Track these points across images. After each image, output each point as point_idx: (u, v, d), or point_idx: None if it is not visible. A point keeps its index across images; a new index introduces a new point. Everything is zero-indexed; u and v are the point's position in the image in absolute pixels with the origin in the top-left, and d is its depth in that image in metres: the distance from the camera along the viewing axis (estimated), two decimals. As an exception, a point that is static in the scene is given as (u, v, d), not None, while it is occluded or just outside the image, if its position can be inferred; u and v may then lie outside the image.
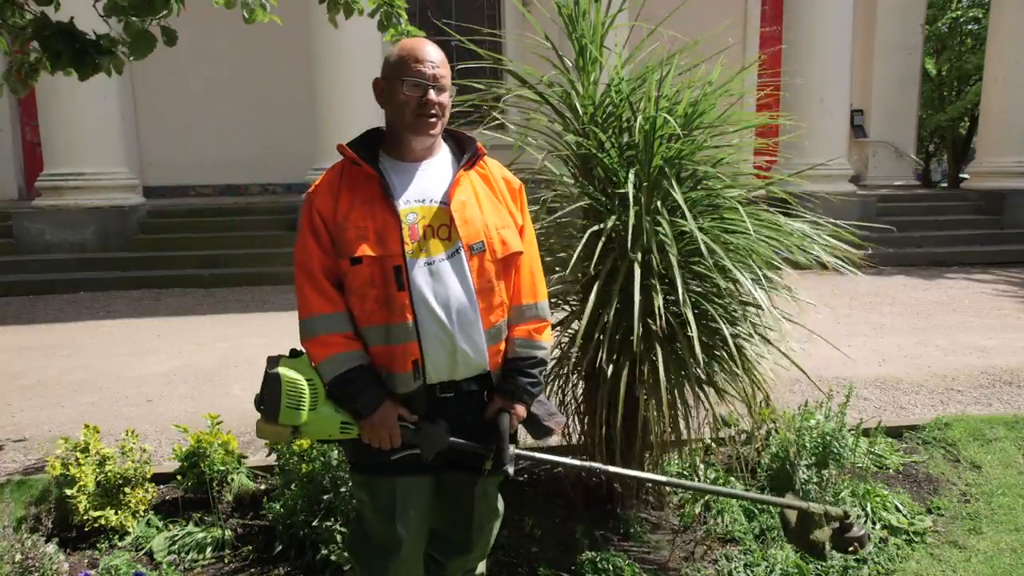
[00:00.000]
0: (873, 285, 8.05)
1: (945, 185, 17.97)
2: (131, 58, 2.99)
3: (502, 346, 1.89)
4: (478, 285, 1.80)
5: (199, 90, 12.07)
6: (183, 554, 2.78)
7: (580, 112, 2.80)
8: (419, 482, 1.89)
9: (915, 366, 5.22)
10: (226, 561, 2.78)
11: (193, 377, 5.10)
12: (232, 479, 3.09)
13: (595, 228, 2.62)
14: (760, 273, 2.61)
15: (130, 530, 2.87)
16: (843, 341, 5.66)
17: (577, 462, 2.11)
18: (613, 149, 2.73)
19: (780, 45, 10.11)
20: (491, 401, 1.89)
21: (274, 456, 3.02)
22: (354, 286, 1.77)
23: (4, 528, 2.67)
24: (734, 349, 2.62)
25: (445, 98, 1.82)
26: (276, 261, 8.91)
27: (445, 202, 1.81)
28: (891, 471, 3.48)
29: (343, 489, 2.74)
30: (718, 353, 2.71)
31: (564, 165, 2.94)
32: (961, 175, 16.44)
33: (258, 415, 1.74)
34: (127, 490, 2.93)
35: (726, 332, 2.59)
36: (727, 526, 2.94)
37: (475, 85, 2.87)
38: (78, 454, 2.93)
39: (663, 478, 2.49)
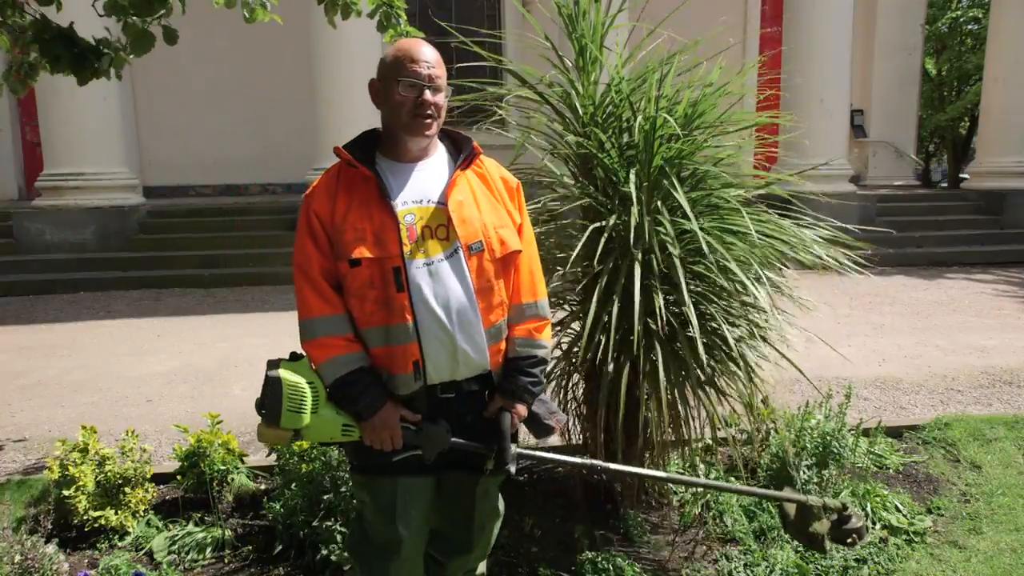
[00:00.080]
0: (873, 285, 8.05)
1: (945, 185, 17.98)
2: (131, 56, 2.99)
3: (503, 345, 1.89)
4: (477, 285, 1.80)
5: (199, 90, 12.07)
6: (183, 554, 2.78)
7: (580, 112, 2.80)
8: (420, 482, 1.88)
9: (915, 366, 5.22)
10: (226, 561, 2.78)
11: (193, 377, 5.10)
12: (232, 479, 3.09)
13: (597, 225, 2.62)
14: (761, 273, 2.61)
15: (130, 530, 2.87)
16: (843, 341, 5.68)
17: (578, 459, 2.11)
18: (613, 149, 2.73)
19: (780, 45, 10.11)
20: (492, 400, 1.89)
21: (274, 456, 3.02)
22: (353, 288, 1.77)
23: (4, 529, 2.67)
24: (734, 349, 2.62)
25: (441, 98, 1.81)
26: (276, 261, 8.91)
27: (442, 202, 1.81)
28: (891, 471, 3.48)
29: (343, 489, 2.74)
30: (718, 353, 2.72)
31: (564, 165, 2.94)
32: (961, 175, 16.44)
33: (259, 418, 1.73)
34: (127, 490, 2.93)
35: (726, 332, 2.59)
36: (727, 526, 2.94)
37: (475, 85, 2.87)
38: (75, 455, 2.93)
39: (662, 474, 2.51)
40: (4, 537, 2.58)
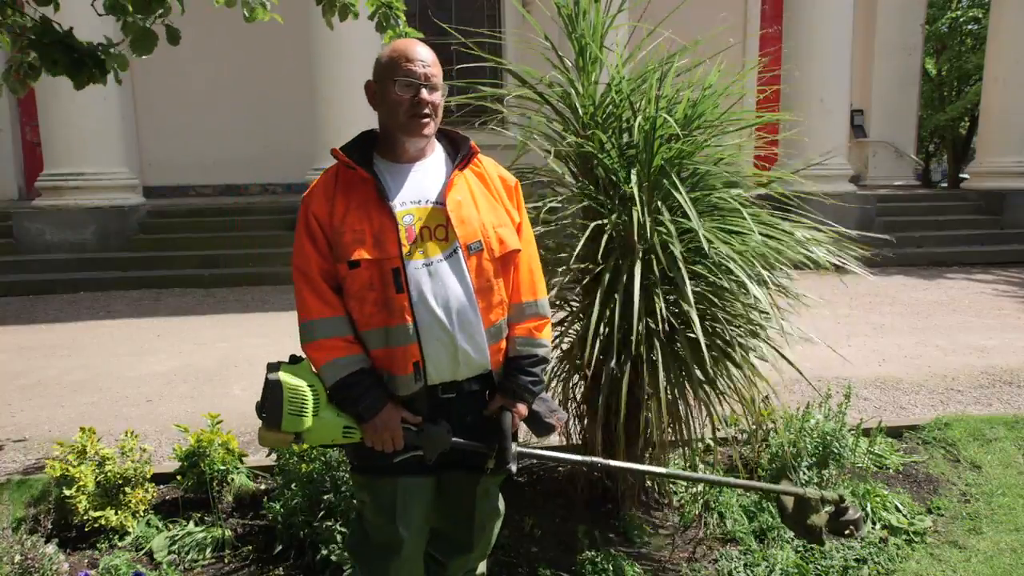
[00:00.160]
0: (873, 285, 8.05)
1: (945, 185, 17.97)
2: (134, 55, 2.99)
3: (503, 344, 1.89)
4: (477, 284, 1.80)
5: (199, 90, 12.07)
6: (183, 554, 2.78)
7: (580, 112, 2.80)
8: (420, 482, 1.88)
9: (915, 366, 5.22)
10: (226, 561, 2.78)
11: (193, 377, 5.10)
12: (232, 479, 3.09)
13: (598, 223, 2.62)
14: (761, 273, 2.61)
15: (130, 530, 2.87)
16: (843, 341, 5.68)
17: (578, 457, 2.13)
18: (614, 149, 2.73)
19: (780, 45, 10.11)
20: (492, 399, 1.89)
21: (274, 456, 3.02)
22: (353, 290, 1.76)
23: (4, 529, 2.67)
24: (734, 349, 2.62)
25: (437, 97, 1.81)
26: (276, 261, 8.91)
27: (441, 202, 1.80)
28: (891, 471, 3.48)
29: (343, 489, 2.74)
30: (718, 353, 2.71)
31: (565, 165, 2.94)
32: (961, 175, 16.44)
33: (259, 420, 1.73)
34: (127, 490, 2.93)
35: (727, 332, 2.59)
36: (727, 526, 2.94)
37: (475, 86, 2.87)
38: (72, 457, 2.93)
39: (662, 469, 2.52)
40: (4, 537, 2.58)
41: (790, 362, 2.76)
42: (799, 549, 2.79)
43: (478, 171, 1.92)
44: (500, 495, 2.08)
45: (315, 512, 2.73)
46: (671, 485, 3.15)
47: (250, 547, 2.84)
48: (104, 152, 9.32)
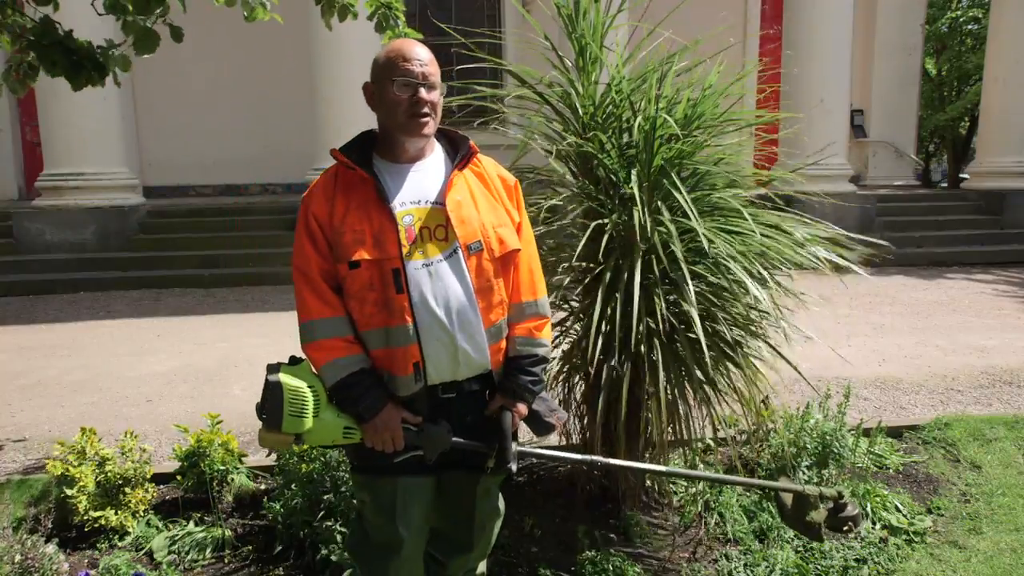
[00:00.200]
0: (873, 285, 8.04)
1: (945, 185, 17.97)
2: (137, 54, 2.99)
3: (503, 344, 1.89)
4: (477, 284, 1.80)
5: (199, 90, 12.07)
6: (183, 554, 2.78)
7: (580, 112, 2.80)
8: (420, 482, 1.88)
9: (915, 366, 5.22)
10: (226, 561, 2.78)
11: (193, 377, 5.10)
12: (232, 479, 3.09)
13: (599, 222, 2.62)
14: (761, 273, 2.61)
15: (130, 530, 2.87)
16: (843, 341, 5.68)
17: (578, 456, 2.14)
18: (614, 149, 2.73)
19: (780, 45, 10.11)
20: (492, 399, 1.89)
21: (274, 456, 3.02)
22: (353, 290, 1.76)
23: (4, 528, 2.67)
24: (735, 349, 2.62)
25: (436, 96, 1.81)
26: (276, 261, 8.91)
27: (440, 202, 1.80)
28: (891, 471, 3.48)
29: (343, 489, 2.74)
30: (718, 353, 2.71)
31: (565, 165, 2.94)
32: (961, 175, 16.44)
33: (259, 420, 1.73)
34: (127, 490, 2.93)
35: (726, 332, 2.59)
36: (727, 526, 2.94)
37: (475, 86, 2.87)
38: (72, 456, 2.93)
39: (661, 468, 2.52)
40: (4, 537, 2.58)
41: (790, 363, 2.76)
42: (799, 549, 2.79)
43: (478, 171, 1.91)
44: (500, 495, 2.08)
45: (315, 512, 2.73)
46: (671, 485, 3.15)
47: (250, 547, 2.84)
48: (104, 152, 9.32)
